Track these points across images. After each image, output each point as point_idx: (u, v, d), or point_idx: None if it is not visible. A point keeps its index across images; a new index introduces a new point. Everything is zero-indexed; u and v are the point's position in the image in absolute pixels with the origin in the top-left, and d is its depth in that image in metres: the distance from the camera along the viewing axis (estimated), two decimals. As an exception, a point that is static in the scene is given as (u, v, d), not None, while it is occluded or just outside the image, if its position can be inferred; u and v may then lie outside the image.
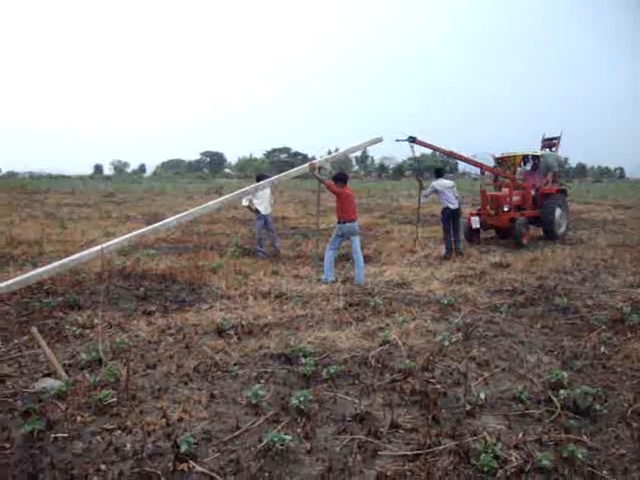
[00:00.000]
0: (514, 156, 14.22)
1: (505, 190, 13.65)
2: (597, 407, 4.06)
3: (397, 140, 11.40)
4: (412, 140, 11.38)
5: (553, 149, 14.82)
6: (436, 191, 11.36)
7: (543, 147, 15.00)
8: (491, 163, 14.41)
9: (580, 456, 3.35)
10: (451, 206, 11.27)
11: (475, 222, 12.96)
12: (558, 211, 13.76)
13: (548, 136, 15.23)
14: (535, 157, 14.41)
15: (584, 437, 3.69)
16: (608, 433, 3.80)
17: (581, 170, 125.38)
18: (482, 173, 13.72)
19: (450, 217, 11.30)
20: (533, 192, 13.85)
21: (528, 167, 14.77)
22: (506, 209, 12.98)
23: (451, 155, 12.82)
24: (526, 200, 13.65)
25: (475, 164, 13.33)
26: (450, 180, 11.67)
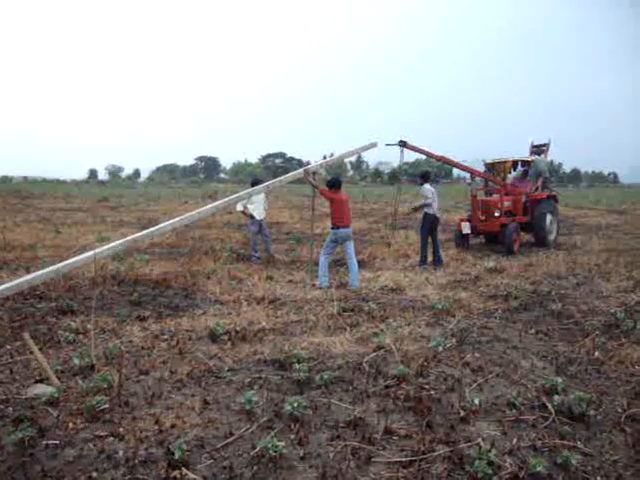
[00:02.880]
0: (504, 162, 14.25)
1: (496, 196, 13.65)
2: (591, 413, 4.06)
3: (387, 145, 11.33)
4: (402, 144, 11.30)
5: (542, 155, 14.85)
6: (433, 194, 10.89)
7: (532, 153, 15.04)
8: (482, 168, 14.43)
9: (574, 462, 3.35)
10: (438, 214, 10.95)
11: (466, 227, 12.95)
12: (549, 217, 13.73)
13: (537, 143, 15.28)
14: (525, 163, 14.42)
15: (578, 443, 3.69)
16: (602, 439, 3.79)
17: (575, 175, 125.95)
18: (472, 178, 13.73)
19: (433, 225, 10.93)
20: (524, 198, 13.86)
21: (519, 173, 14.80)
22: (497, 214, 12.94)
23: (441, 160, 12.78)
24: (517, 206, 13.63)
25: (466, 169, 13.31)
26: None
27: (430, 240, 10.96)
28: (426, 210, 10.93)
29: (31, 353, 4.79)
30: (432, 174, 12.00)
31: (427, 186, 10.99)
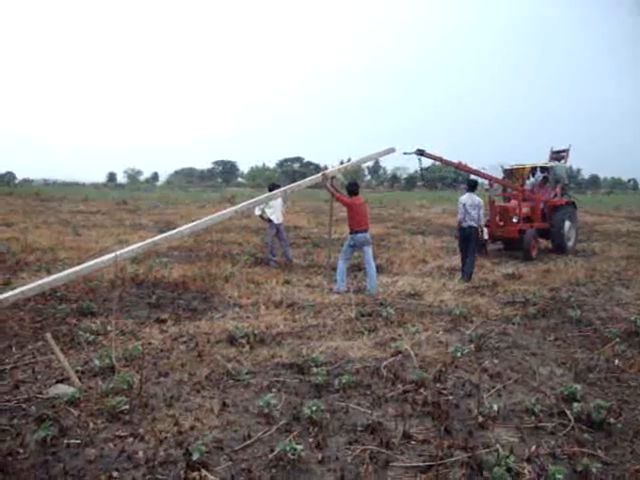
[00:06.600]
0: (523, 168, 14.17)
1: (514, 202, 13.56)
2: (611, 421, 4.02)
3: (405, 153, 11.33)
4: (420, 153, 11.27)
5: (562, 161, 14.73)
6: (464, 206, 10.29)
7: (551, 159, 14.93)
8: (500, 174, 14.34)
9: (594, 470, 3.32)
10: (469, 225, 10.19)
11: (484, 233, 12.85)
12: (567, 224, 13.62)
13: (556, 149, 15.17)
14: (544, 169, 14.30)
15: (598, 451, 3.66)
16: (623, 448, 3.75)
17: (594, 181, 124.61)
18: (491, 185, 13.63)
19: (468, 236, 10.23)
20: (542, 204, 13.76)
21: (537, 179, 14.69)
22: (515, 220, 12.86)
23: (459, 167, 12.70)
24: (535, 212, 13.53)
25: (483, 176, 13.21)
26: (479, 198, 10.44)
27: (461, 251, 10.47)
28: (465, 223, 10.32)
29: (52, 353, 4.87)
30: (477, 184, 10.86)
31: (461, 198, 10.41)
